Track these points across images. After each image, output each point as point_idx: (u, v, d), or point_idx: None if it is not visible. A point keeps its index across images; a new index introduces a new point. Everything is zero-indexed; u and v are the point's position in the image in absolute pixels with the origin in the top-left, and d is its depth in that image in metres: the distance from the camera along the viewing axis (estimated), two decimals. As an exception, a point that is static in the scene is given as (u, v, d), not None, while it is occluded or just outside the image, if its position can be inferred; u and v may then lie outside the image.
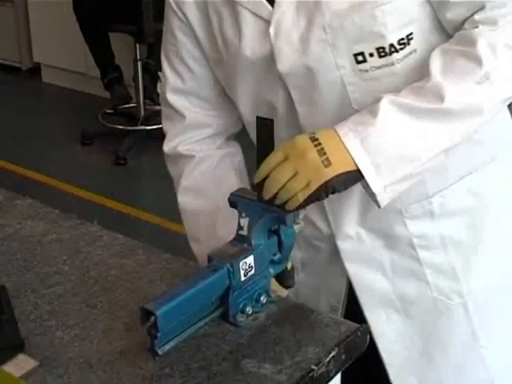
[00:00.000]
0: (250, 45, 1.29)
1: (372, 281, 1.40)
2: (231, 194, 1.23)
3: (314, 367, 1.10)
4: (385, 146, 1.17)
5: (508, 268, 1.45)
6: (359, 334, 1.18)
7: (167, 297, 1.10)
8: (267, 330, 1.18)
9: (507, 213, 1.44)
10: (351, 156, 1.16)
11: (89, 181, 4.09)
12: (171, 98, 1.45)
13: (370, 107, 1.19)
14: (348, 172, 1.16)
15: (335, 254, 1.41)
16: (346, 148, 1.16)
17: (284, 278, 1.27)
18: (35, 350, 1.14)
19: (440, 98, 1.17)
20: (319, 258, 1.45)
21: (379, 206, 1.20)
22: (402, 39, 1.22)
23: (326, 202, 1.34)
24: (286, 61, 1.26)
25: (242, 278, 1.17)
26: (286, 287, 1.29)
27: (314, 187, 1.15)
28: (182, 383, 1.08)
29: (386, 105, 1.18)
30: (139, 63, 4.47)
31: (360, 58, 1.23)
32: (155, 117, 4.52)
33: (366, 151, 1.16)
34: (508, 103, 1.28)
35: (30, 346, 1.15)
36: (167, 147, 1.49)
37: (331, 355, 1.12)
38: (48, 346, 1.16)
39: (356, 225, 1.37)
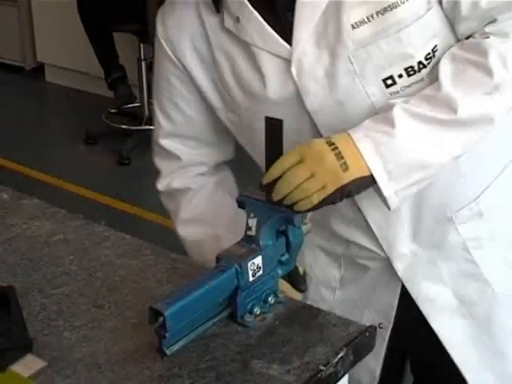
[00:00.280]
0: (273, 86, 1.26)
1: (432, 292, 1.39)
2: (240, 194, 1.23)
3: (322, 368, 1.10)
4: (398, 153, 1.17)
5: None
6: (367, 334, 1.18)
7: (175, 297, 1.10)
8: (275, 330, 1.18)
9: None
10: (365, 162, 1.16)
11: (92, 180, 4.09)
12: (164, 142, 1.45)
13: (384, 114, 1.19)
14: (363, 177, 1.17)
15: (387, 272, 1.40)
16: (360, 154, 1.16)
17: (297, 283, 1.28)
18: (43, 351, 1.14)
19: (453, 109, 1.17)
20: (367, 277, 1.43)
21: (389, 209, 1.21)
22: (429, 54, 1.22)
23: (372, 224, 1.35)
24: (315, 99, 1.24)
25: (251, 279, 1.17)
26: (300, 291, 1.29)
27: (330, 190, 1.15)
28: (191, 384, 1.08)
29: (399, 113, 1.18)
30: (143, 63, 4.47)
31: (389, 81, 1.22)
32: (159, 117, 4.52)
33: (380, 158, 1.16)
34: None
35: (38, 346, 1.15)
36: (161, 185, 1.49)
37: (339, 356, 1.12)
38: (56, 346, 1.16)
39: (410, 242, 1.37)
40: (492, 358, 1.42)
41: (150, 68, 4.53)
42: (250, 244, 1.19)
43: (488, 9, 1.20)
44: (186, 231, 1.48)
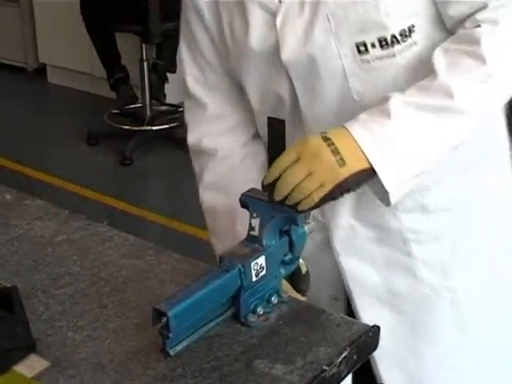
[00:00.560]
0: (256, 37, 1.30)
1: (363, 273, 1.40)
2: (242, 194, 1.23)
3: (325, 368, 1.10)
4: (397, 144, 1.18)
5: (498, 265, 1.45)
6: (371, 334, 1.18)
7: (179, 297, 1.10)
8: (279, 330, 1.18)
9: (498, 212, 1.45)
10: (364, 154, 1.17)
11: (94, 181, 4.09)
12: (193, 87, 1.45)
13: (380, 106, 1.20)
14: (362, 170, 1.17)
15: (328, 244, 1.41)
16: (359, 146, 1.17)
17: (298, 282, 1.28)
18: (47, 351, 1.15)
19: (449, 95, 1.18)
20: (312, 248, 1.42)
21: (389, 204, 1.21)
22: (404, 30, 1.24)
23: None
24: (290, 49, 1.27)
25: (254, 279, 1.17)
26: (301, 292, 1.29)
27: (329, 187, 1.16)
28: (194, 384, 1.08)
29: (396, 103, 1.19)
30: (145, 63, 4.47)
31: (362, 48, 1.24)
32: (161, 117, 4.53)
33: (379, 149, 1.17)
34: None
35: (42, 346, 1.15)
36: (191, 138, 1.49)
37: (343, 355, 1.12)
38: (60, 346, 1.16)
39: (350, 216, 1.38)
40: (407, 356, 1.42)
41: (152, 68, 4.53)
42: (253, 244, 1.19)
43: None
44: (206, 195, 1.47)
